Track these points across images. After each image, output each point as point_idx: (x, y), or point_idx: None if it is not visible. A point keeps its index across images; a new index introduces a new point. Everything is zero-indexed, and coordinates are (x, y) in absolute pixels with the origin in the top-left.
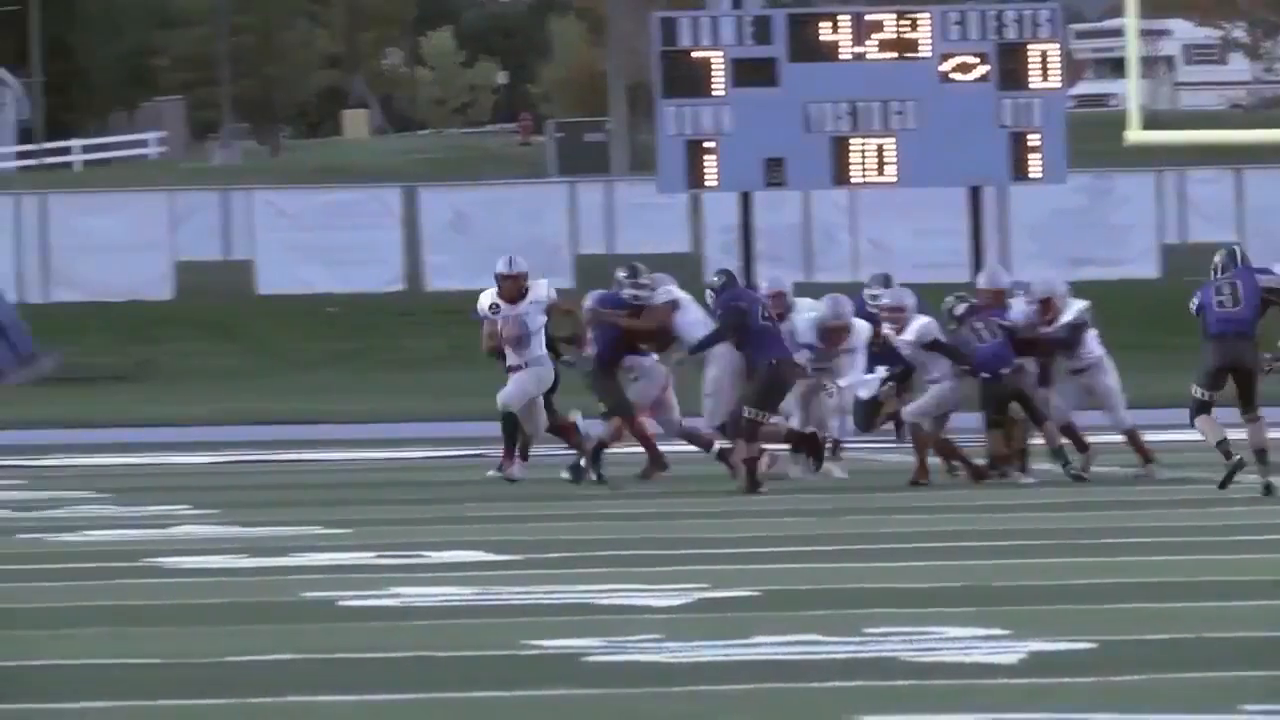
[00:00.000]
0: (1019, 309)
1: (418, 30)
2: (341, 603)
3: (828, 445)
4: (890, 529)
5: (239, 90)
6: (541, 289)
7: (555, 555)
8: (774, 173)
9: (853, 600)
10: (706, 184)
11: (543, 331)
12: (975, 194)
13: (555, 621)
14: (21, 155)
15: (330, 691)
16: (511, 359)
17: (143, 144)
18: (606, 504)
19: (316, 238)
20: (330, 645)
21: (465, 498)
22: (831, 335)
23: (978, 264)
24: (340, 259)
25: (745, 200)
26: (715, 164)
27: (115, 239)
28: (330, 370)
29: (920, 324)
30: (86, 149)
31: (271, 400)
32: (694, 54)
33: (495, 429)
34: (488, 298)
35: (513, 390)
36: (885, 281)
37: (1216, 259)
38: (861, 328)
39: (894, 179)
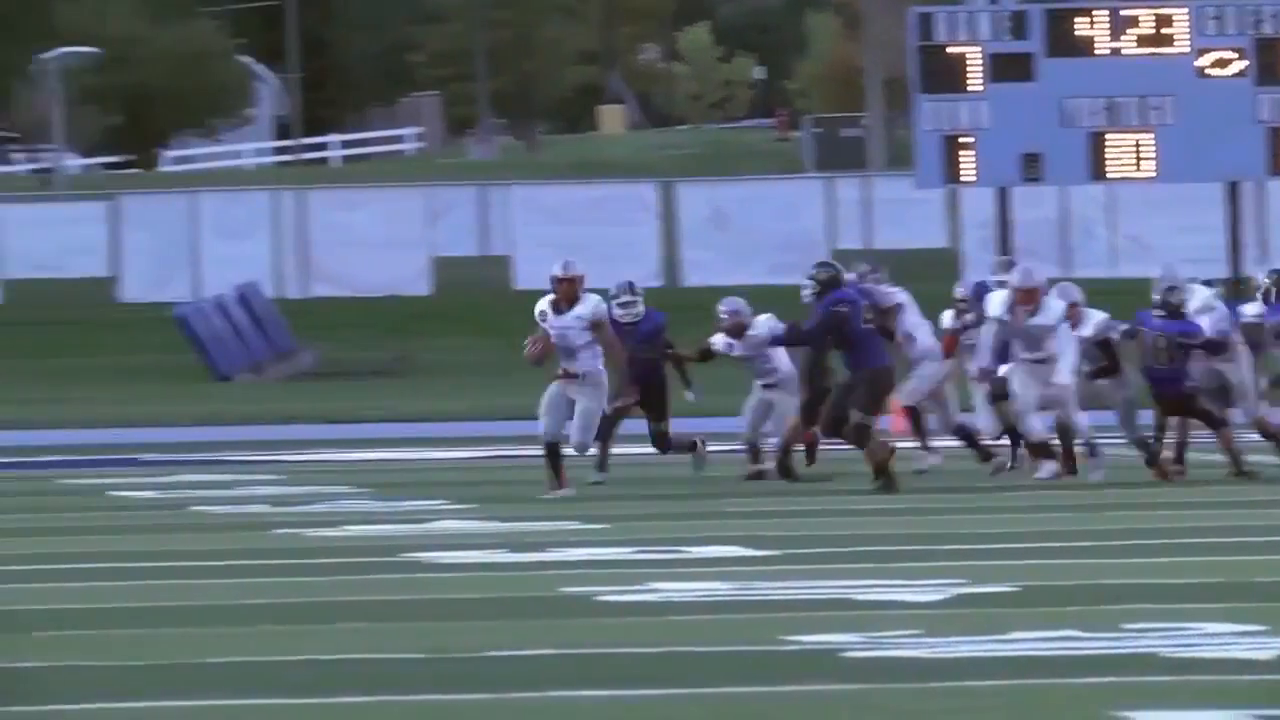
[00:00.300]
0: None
1: (675, 25)
2: (599, 598)
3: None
4: (1148, 525)
5: (496, 86)
6: (588, 306)
7: (813, 550)
8: (1031, 168)
9: (1111, 596)
10: (963, 179)
11: (595, 345)
12: (1233, 189)
13: (813, 617)
14: (279, 151)
15: (588, 686)
16: (565, 362)
17: (400, 139)
18: (863, 500)
19: (574, 233)
20: (588, 640)
21: (724, 493)
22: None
23: (1236, 259)
24: (598, 254)
25: (1002, 195)
26: (972, 159)
27: (373, 234)
28: None
29: (1098, 319)
30: (344, 144)
31: (529, 395)
32: (951, 49)
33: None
34: (542, 303)
35: (583, 431)
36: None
37: None
38: (1092, 316)
39: (1152, 174)
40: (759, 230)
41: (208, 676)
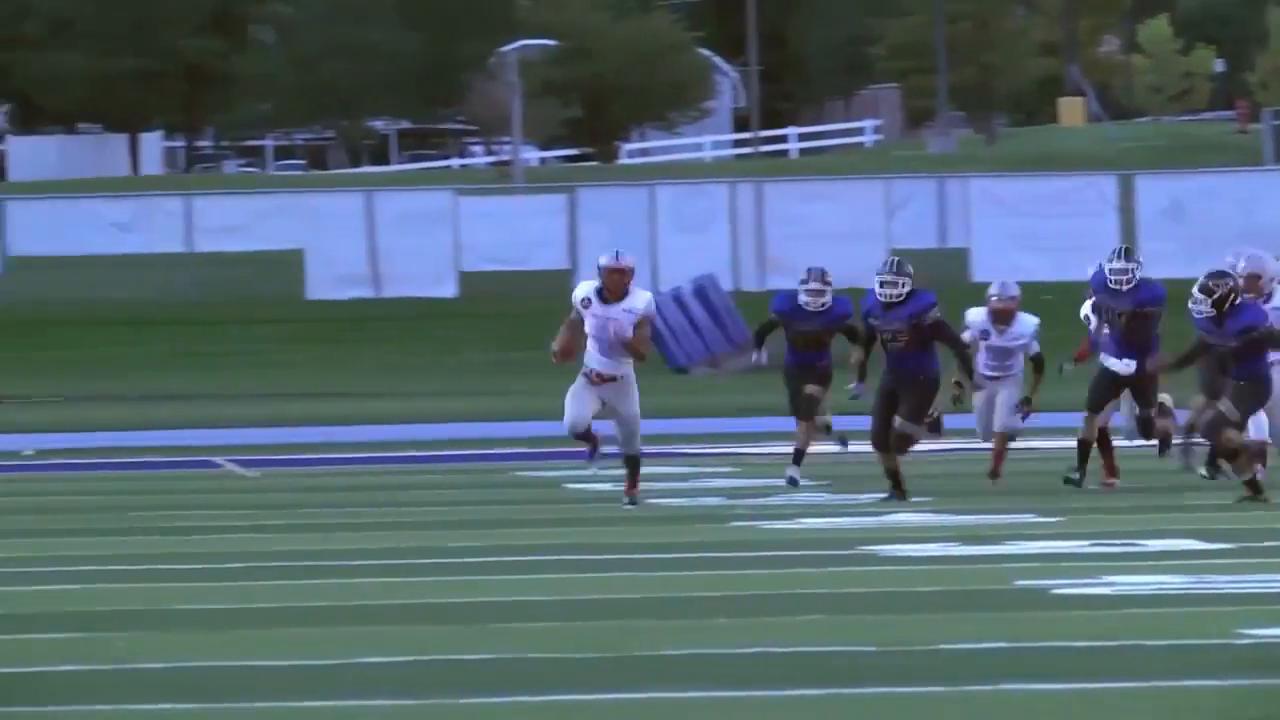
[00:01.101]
0: None
1: (1135, 17)
2: (1055, 591)
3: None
4: None
5: (955, 78)
6: (640, 300)
7: (1270, 544)
8: None
9: None
10: None
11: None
12: None
13: (1269, 610)
14: (738, 143)
15: (1043, 680)
16: (599, 363)
17: (859, 132)
18: None
19: (1031, 225)
20: (1043, 633)
21: (1179, 487)
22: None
23: None
24: (1054, 247)
25: None
26: None
27: (830, 227)
28: None
29: None
30: (802, 137)
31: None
32: None
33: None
34: (585, 289)
35: (634, 440)
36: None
37: None
38: None
39: None
40: (1217, 223)
41: (665, 668)
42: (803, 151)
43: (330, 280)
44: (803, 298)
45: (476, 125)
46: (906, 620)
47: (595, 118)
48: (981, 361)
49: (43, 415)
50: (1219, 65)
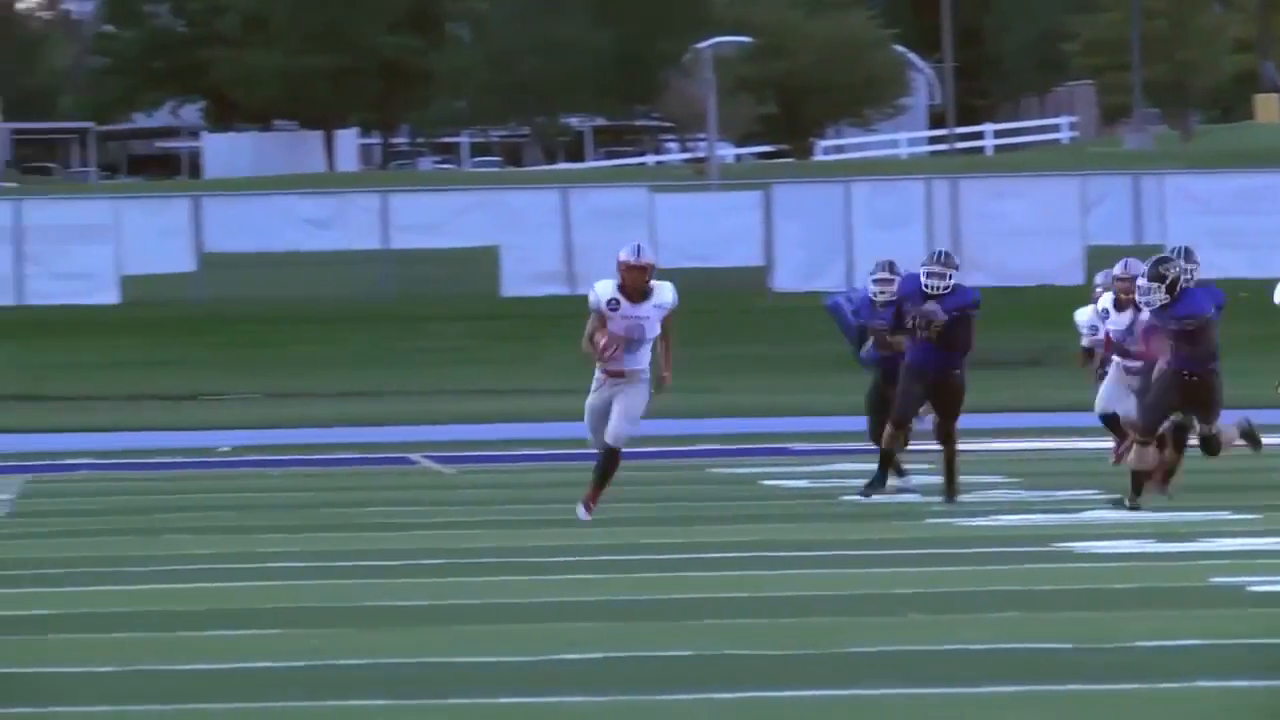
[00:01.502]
0: None
1: None
2: (1251, 588)
3: None
4: None
5: (1151, 75)
6: (667, 293)
7: None
8: None
9: None
10: None
11: (650, 343)
12: None
13: None
14: (933, 140)
15: (1239, 677)
16: (624, 360)
17: (1054, 128)
18: None
19: (1226, 223)
20: (1238, 631)
21: None
22: None
23: None
24: (1249, 244)
25: None
26: None
27: (1025, 224)
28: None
29: None
30: (997, 134)
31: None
32: None
33: None
34: (607, 290)
35: (623, 427)
36: None
37: None
38: None
39: None
40: None
41: (858, 665)
42: (998, 148)
43: (525, 277)
44: (871, 289)
45: (672, 122)
46: (1101, 617)
47: (790, 114)
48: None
49: (239, 413)
50: None
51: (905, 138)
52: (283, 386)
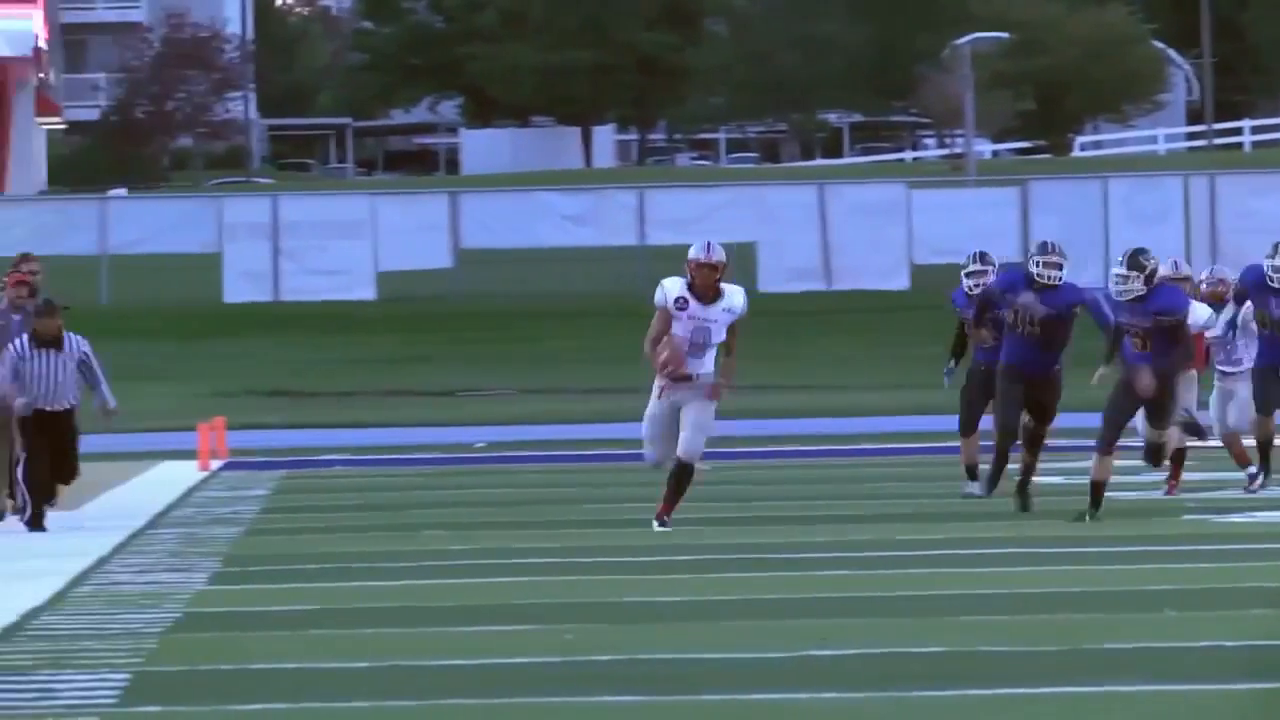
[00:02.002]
0: None
1: None
2: None
3: None
4: None
5: None
6: (738, 298)
7: None
8: None
9: None
10: None
11: (715, 348)
12: None
13: None
14: (1191, 136)
15: None
16: (689, 364)
17: None
18: None
19: None
20: None
21: None
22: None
23: None
24: None
25: None
26: None
27: None
28: None
29: None
30: (1255, 129)
31: None
32: None
33: None
34: (676, 287)
35: (697, 440)
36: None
37: None
38: None
39: None
40: None
41: (1111, 661)
42: (1256, 144)
43: (782, 273)
44: (965, 284)
45: (929, 118)
46: None
47: (1048, 110)
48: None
49: (496, 409)
50: None
51: (1163, 134)
52: (538, 382)
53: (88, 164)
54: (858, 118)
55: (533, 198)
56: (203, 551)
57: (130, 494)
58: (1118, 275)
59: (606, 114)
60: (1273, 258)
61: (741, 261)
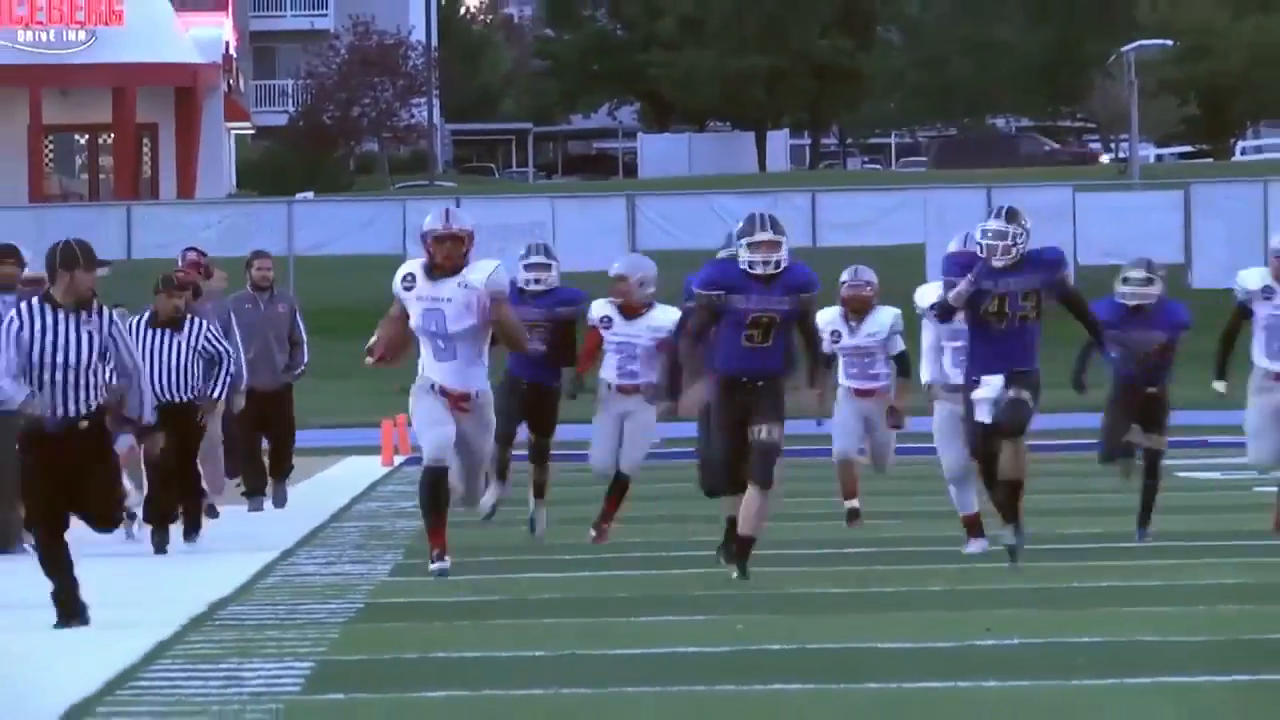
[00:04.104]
0: None
1: None
2: None
3: None
4: None
5: None
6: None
7: None
8: None
9: None
10: None
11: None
12: None
13: None
14: None
15: None
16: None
17: None
18: None
19: None
20: None
21: None
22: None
23: None
24: None
25: None
26: None
27: None
28: None
29: None
30: None
31: None
32: None
33: None
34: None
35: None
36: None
37: None
38: None
39: None
40: None
41: (1263, 652)
42: None
43: None
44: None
45: (1095, 123)
46: None
47: (1212, 115)
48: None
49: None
50: None
51: None
52: None
53: (275, 168)
54: (1026, 122)
55: (708, 200)
56: (385, 544)
57: (315, 489)
58: (1133, 278)
59: (781, 119)
60: None
61: (907, 265)
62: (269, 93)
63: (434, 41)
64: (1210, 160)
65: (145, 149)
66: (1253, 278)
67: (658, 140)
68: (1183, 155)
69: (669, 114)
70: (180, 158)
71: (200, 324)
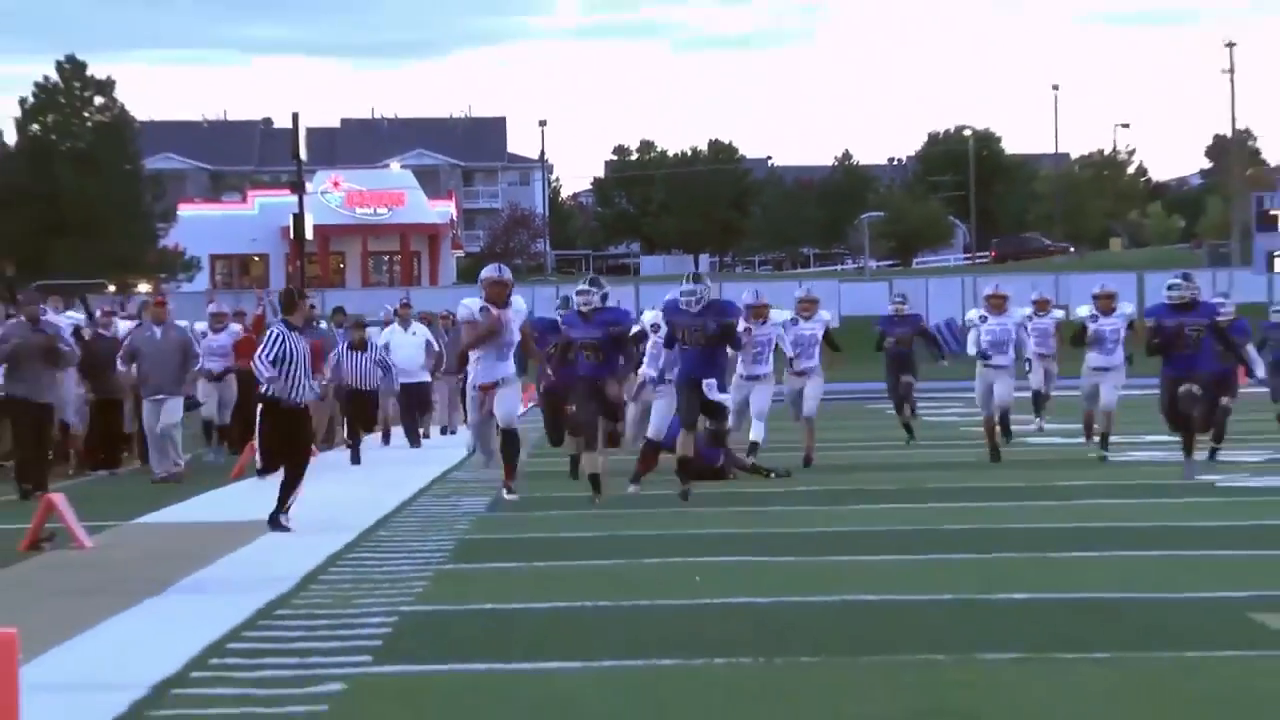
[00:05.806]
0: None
1: None
2: None
3: None
4: None
5: None
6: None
7: None
8: None
9: None
10: None
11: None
12: None
13: None
14: None
15: None
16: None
17: None
18: None
19: None
20: None
21: None
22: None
23: None
24: None
25: None
26: None
27: None
28: None
29: None
30: None
31: None
32: None
33: None
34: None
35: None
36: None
37: None
38: None
39: None
40: None
41: None
42: None
43: None
44: None
45: None
46: None
47: None
48: None
49: None
50: None
51: None
52: None
53: (473, 270)
54: None
55: (671, 288)
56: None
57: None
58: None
59: (707, 250)
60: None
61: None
62: (471, 237)
63: (546, 213)
64: None
65: (415, 264)
66: None
67: (650, 259)
68: None
69: (655, 247)
70: (430, 268)
71: (374, 346)
